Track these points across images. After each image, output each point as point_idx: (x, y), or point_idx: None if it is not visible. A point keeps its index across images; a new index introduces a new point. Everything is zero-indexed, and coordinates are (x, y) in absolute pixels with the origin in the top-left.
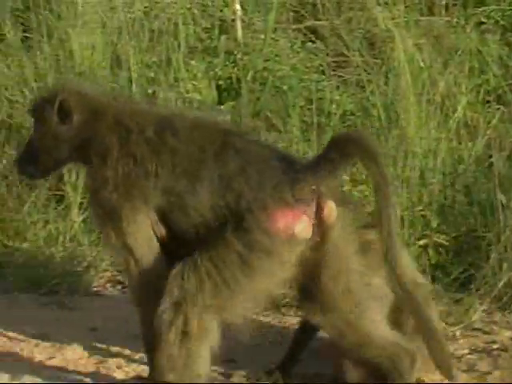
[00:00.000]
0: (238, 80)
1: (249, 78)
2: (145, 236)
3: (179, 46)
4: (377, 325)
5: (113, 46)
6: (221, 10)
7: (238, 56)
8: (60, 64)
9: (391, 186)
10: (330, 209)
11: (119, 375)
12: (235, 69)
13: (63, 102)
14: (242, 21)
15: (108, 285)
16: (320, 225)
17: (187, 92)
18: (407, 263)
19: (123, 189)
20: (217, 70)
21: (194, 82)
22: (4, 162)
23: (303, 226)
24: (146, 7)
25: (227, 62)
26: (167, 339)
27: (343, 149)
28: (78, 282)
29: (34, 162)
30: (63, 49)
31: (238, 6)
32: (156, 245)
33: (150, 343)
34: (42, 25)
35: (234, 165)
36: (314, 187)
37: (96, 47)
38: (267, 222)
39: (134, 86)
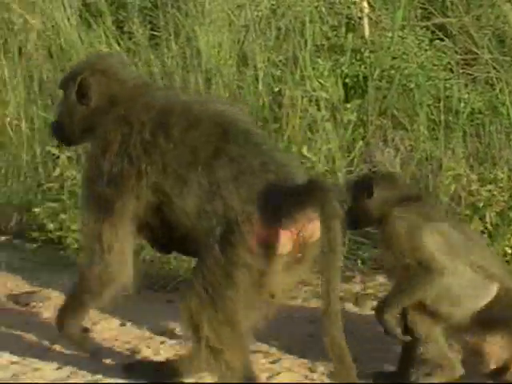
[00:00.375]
0: (365, 78)
1: (376, 76)
2: (125, 230)
3: (306, 44)
4: None
5: (239, 45)
6: (348, 8)
7: (365, 54)
8: (187, 62)
9: (339, 256)
10: (313, 229)
11: None
12: (362, 67)
13: (83, 82)
14: (370, 18)
15: None
16: (302, 242)
17: (313, 90)
18: None
19: (116, 184)
20: (343, 68)
21: (320, 80)
22: None
23: (286, 243)
24: (272, 5)
25: (354, 60)
26: (202, 359)
27: (313, 194)
28: None
29: (61, 130)
30: (190, 47)
31: (365, 4)
32: (131, 242)
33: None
34: (170, 23)
35: (224, 173)
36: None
37: (223, 45)
38: (251, 239)
39: (260, 84)
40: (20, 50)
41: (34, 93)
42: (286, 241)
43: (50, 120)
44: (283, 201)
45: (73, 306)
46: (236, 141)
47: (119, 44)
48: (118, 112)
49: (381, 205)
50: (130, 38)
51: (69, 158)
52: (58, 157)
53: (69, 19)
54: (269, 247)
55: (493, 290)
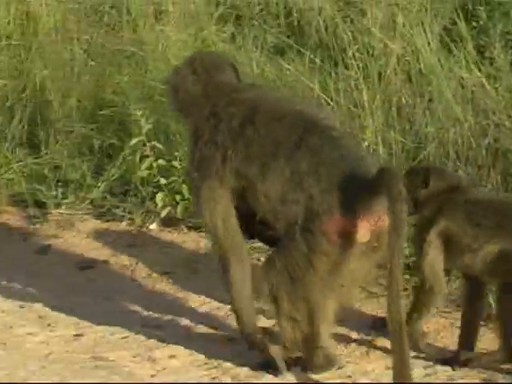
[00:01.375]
0: None
1: None
2: (222, 213)
3: None
4: None
5: None
6: None
7: None
8: None
9: (403, 239)
10: (383, 225)
11: None
12: None
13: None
14: None
15: None
16: (379, 232)
17: None
18: None
19: (203, 170)
20: None
21: None
22: None
23: (364, 233)
24: None
25: None
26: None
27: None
28: None
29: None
30: None
31: None
32: (234, 221)
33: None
34: None
35: (305, 164)
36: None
37: None
38: (331, 228)
39: None
40: (380, 74)
41: (392, 118)
42: (364, 231)
43: (408, 145)
44: (361, 191)
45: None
46: (316, 134)
47: (480, 69)
48: (209, 107)
49: (432, 194)
50: (491, 64)
51: None
52: None
53: (429, 44)
54: (347, 237)
55: None
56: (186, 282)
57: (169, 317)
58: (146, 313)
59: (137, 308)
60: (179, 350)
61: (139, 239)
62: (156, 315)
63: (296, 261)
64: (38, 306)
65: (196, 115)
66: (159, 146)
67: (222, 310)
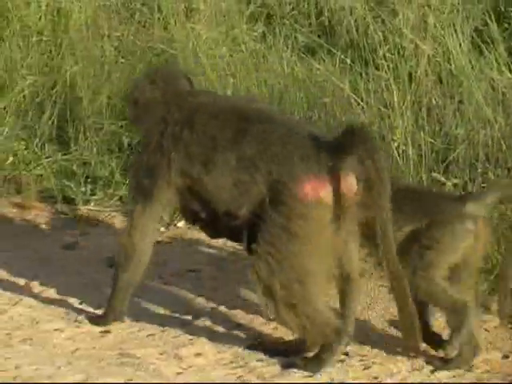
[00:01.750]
0: None
1: None
2: (152, 213)
3: None
4: None
5: None
6: None
7: None
8: None
9: (387, 185)
10: (351, 183)
11: None
12: None
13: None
14: None
15: None
16: (340, 196)
17: None
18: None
19: (151, 173)
20: None
21: None
22: None
23: (327, 193)
24: None
25: None
26: (282, 320)
27: (350, 139)
28: None
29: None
30: None
31: None
32: (155, 224)
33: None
34: None
35: (252, 148)
36: (335, 162)
37: None
38: (297, 190)
39: None
40: (410, 75)
41: (422, 119)
42: (326, 190)
43: (437, 147)
44: (320, 153)
45: (114, 289)
46: (257, 122)
47: (510, 71)
48: (160, 114)
49: None
50: None
51: (455, 185)
52: (443, 183)
53: (460, 45)
54: (313, 195)
55: None
56: (213, 279)
57: (195, 315)
58: (172, 310)
59: (164, 305)
60: (205, 348)
61: (167, 237)
62: (183, 313)
63: (277, 237)
64: (65, 301)
65: (150, 122)
66: None
67: (249, 309)
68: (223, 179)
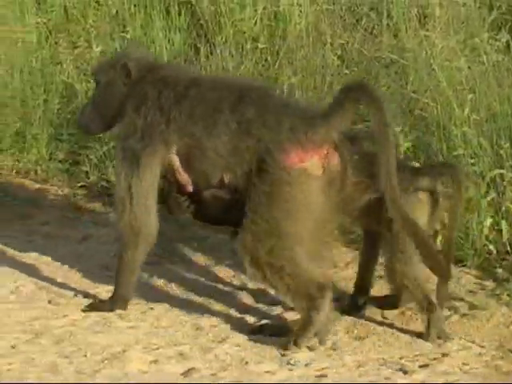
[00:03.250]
0: None
1: None
2: (149, 183)
3: None
4: None
5: None
6: None
7: None
8: None
9: (391, 134)
10: (335, 154)
11: None
12: None
13: (124, 65)
14: None
15: None
16: (328, 168)
17: None
18: None
19: (148, 136)
20: None
21: None
22: None
23: (314, 164)
24: None
25: None
26: (276, 286)
27: (351, 95)
28: None
29: (95, 118)
30: None
31: None
32: (154, 195)
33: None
34: None
35: (250, 113)
36: (325, 133)
37: None
38: (283, 158)
39: None
40: None
41: None
42: (313, 160)
43: None
44: (309, 128)
45: (121, 269)
46: (255, 93)
47: None
48: (154, 77)
49: None
50: None
51: None
52: None
53: None
54: (299, 164)
55: None
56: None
57: (228, 307)
58: (207, 302)
59: (196, 296)
60: (244, 342)
61: (198, 229)
62: (217, 303)
63: (261, 204)
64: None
65: (138, 92)
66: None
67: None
68: (222, 144)
